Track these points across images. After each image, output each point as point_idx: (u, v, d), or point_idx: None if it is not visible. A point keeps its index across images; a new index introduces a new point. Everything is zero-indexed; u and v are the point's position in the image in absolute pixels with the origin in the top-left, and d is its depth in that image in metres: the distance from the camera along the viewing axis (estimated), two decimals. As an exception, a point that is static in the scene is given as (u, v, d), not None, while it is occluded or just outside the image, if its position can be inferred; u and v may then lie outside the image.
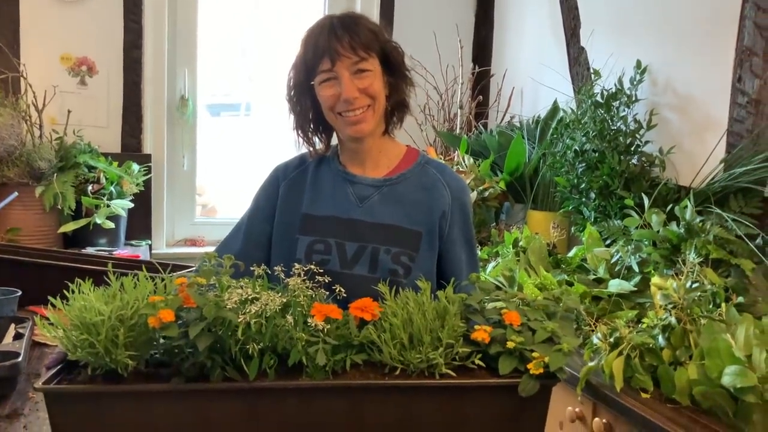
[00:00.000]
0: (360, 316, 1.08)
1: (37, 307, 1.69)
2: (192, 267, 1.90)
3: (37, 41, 2.93)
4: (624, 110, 2.36)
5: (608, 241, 2.17)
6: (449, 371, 1.05)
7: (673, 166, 2.29)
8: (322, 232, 1.52)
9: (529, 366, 1.04)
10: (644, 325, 1.46)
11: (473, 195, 2.71)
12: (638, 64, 2.36)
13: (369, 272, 1.48)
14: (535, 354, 1.05)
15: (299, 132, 1.57)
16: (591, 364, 1.37)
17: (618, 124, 2.35)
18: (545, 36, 3.11)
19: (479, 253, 2.43)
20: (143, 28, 3.08)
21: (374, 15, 3.40)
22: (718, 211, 1.93)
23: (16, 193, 2.47)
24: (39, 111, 2.78)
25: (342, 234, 1.51)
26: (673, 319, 1.39)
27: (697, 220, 1.84)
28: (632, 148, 2.32)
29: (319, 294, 1.12)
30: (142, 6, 3.07)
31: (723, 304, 1.46)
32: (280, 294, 1.06)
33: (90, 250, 2.67)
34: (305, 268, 1.13)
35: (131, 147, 3.12)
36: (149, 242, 3.11)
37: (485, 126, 3.40)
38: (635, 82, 2.36)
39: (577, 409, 1.59)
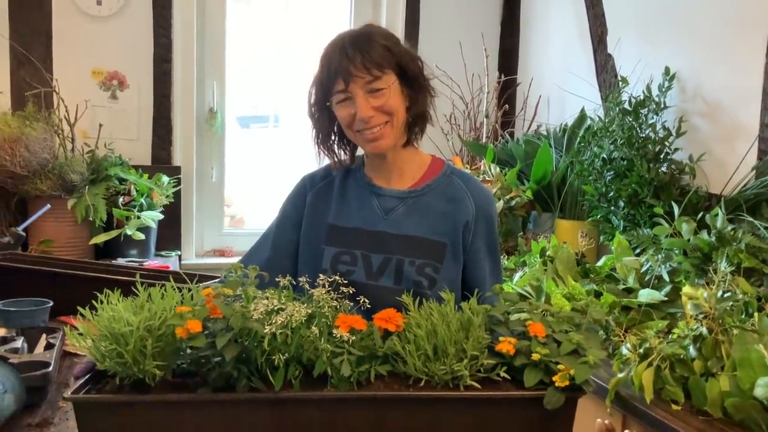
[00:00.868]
0: (384, 326, 1.08)
1: (67, 318, 1.73)
2: (219, 277, 1.92)
3: (69, 56, 2.99)
4: (653, 117, 2.34)
5: (638, 250, 2.14)
6: (474, 383, 1.05)
7: (704, 173, 2.25)
8: (348, 243, 1.53)
9: (554, 378, 1.03)
10: (675, 336, 1.44)
11: (499, 204, 2.69)
12: (667, 70, 2.34)
13: (394, 284, 1.48)
14: (560, 366, 1.04)
15: (322, 146, 1.57)
16: (620, 375, 1.36)
17: (647, 131, 2.32)
18: (572, 44, 3.09)
19: (506, 262, 2.41)
20: (173, 42, 3.13)
21: (399, 26, 3.42)
22: (750, 219, 1.90)
23: (48, 206, 2.52)
24: (71, 125, 2.85)
25: (368, 246, 1.52)
26: (704, 330, 1.37)
27: (729, 228, 1.81)
28: (661, 156, 2.29)
29: (344, 305, 1.12)
30: (172, 20, 3.11)
31: (755, 314, 1.43)
32: (305, 305, 1.06)
33: (121, 261, 2.71)
34: (330, 279, 1.14)
35: (161, 159, 3.17)
36: (179, 253, 3.15)
37: (511, 135, 3.39)
38: (664, 89, 2.33)
39: (606, 421, 1.56)
